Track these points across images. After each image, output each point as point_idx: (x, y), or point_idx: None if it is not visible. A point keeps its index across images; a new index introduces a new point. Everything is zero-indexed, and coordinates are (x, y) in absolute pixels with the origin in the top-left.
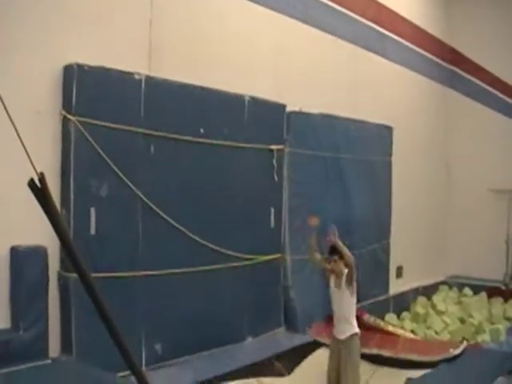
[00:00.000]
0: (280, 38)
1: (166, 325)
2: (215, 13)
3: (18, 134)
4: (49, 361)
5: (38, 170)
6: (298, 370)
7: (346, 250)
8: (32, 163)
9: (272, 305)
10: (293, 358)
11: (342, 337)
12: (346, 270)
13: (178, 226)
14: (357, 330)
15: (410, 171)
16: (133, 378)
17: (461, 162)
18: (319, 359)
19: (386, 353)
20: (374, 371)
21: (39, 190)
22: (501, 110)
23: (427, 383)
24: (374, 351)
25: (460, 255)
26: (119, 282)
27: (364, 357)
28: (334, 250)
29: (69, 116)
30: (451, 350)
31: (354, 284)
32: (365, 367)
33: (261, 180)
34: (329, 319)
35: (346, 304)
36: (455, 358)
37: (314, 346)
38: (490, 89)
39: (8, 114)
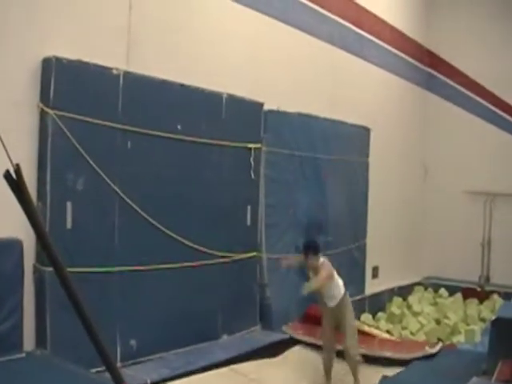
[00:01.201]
0: (259, 36)
1: (142, 321)
2: (195, 10)
3: None
4: (23, 354)
5: (14, 162)
6: (276, 358)
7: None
8: (8, 154)
9: (248, 303)
10: (269, 352)
11: (334, 303)
12: (322, 270)
13: (154, 222)
14: (343, 289)
15: (387, 172)
16: (107, 374)
17: (437, 163)
18: (297, 353)
19: (361, 350)
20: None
21: (15, 181)
22: (478, 113)
23: (401, 381)
24: None
25: (436, 256)
26: (95, 277)
27: (339, 354)
28: (307, 249)
29: (46, 109)
30: (427, 348)
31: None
32: (339, 364)
33: (238, 178)
34: (305, 317)
35: (327, 287)
36: (430, 356)
37: (290, 343)
38: (468, 92)
39: None
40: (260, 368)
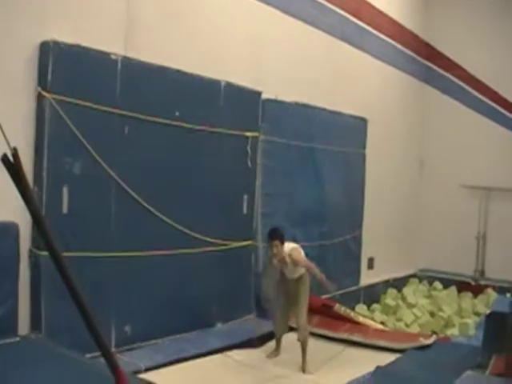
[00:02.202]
0: (258, 25)
1: (136, 307)
2: None
3: None
4: (18, 338)
5: (11, 146)
6: (269, 344)
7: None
8: (6, 138)
9: (243, 291)
10: (263, 341)
11: (296, 276)
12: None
13: (150, 208)
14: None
15: (384, 164)
16: (102, 359)
17: (434, 157)
18: (290, 338)
19: (356, 338)
20: (343, 349)
21: (12, 165)
22: (475, 107)
23: (395, 371)
24: (344, 336)
25: (431, 249)
26: (90, 262)
27: (333, 339)
28: (273, 235)
29: (44, 93)
30: (421, 340)
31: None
32: (334, 346)
33: (235, 166)
34: None
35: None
36: (424, 347)
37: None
38: (465, 86)
39: None
40: (253, 353)
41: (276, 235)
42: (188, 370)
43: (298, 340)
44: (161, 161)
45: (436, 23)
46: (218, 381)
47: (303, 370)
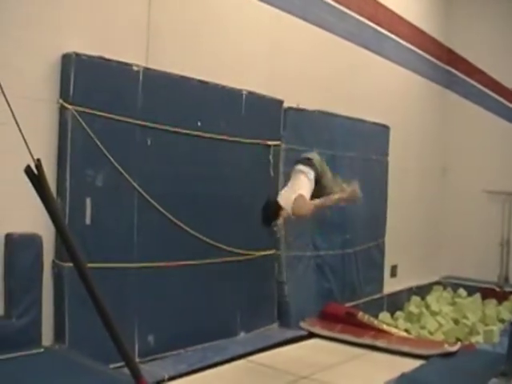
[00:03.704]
0: (278, 33)
1: (159, 317)
2: (214, 7)
3: (16, 121)
4: (41, 349)
5: (35, 158)
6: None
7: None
8: (29, 149)
9: (266, 300)
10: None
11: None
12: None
13: (173, 218)
14: None
15: (407, 171)
16: (126, 369)
17: (457, 162)
18: (313, 343)
19: (379, 343)
20: (366, 354)
21: (36, 176)
22: (497, 112)
23: (420, 379)
24: (368, 341)
25: (454, 256)
26: (113, 273)
27: (357, 345)
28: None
29: (66, 105)
30: (446, 346)
31: None
32: (357, 351)
33: (257, 175)
34: (322, 315)
35: None
36: (449, 354)
37: (307, 338)
38: (487, 91)
39: (7, 101)
40: (276, 356)
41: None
42: (212, 378)
43: None
44: (183, 171)
45: (457, 28)
46: None
47: None
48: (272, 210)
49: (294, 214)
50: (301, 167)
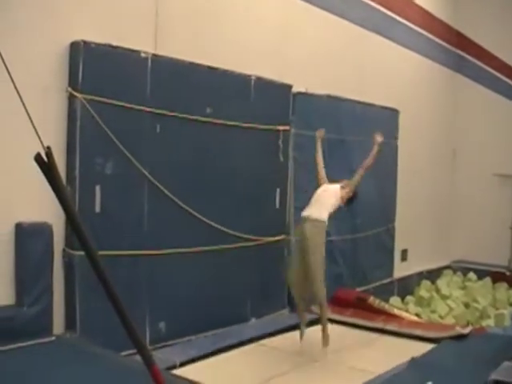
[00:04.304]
0: (287, 18)
1: (170, 304)
2: None
3: (26, 109)
4: (53, 338)
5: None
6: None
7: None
8: (39, 137)
9: (276, 286)
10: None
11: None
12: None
13: (183, 205)
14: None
15: (416, 155)
16: (138, 356)
17: (467, 146)
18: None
19: (390, 327)
20: (377, 338)
21: (46, 164)
22: (508, 95)
23: (431, 362)
24: (379, 325)
25: (465, 240)
26: (123, 261)
27: (368, 329)
28: None
29: (75, 93)
30: (458, 329)
31: None
32: (368, 335)
33: (266, 160)
34: (333, 300)
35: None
36: (459, 338)
37: (317, 323)
38: (498, 74)
39: (17, 89)
40: (288, 340)
41: None
42: (224, 362)
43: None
44: (193, 158)
45: (467, 11)
46: (255, 369)
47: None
48: None
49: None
50: None
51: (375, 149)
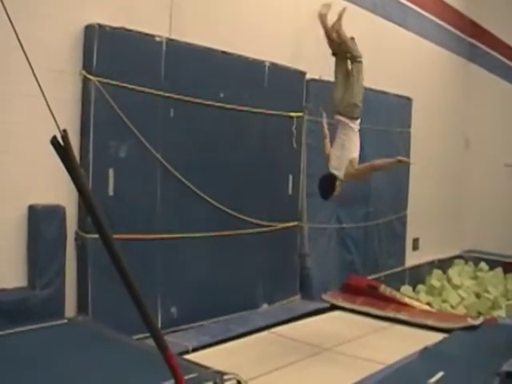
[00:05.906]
0: (301, 4)
1: (182, 289)
2: None
3: (43, 92)
4: (65, 320)
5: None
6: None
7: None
8: (55, 120)
9: (288, 272)
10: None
11: None
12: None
13: (195, 189)
14: None
15: (429, 143)
16: (149, 340)
17: (479, 136)
18: (336, 316)
19: (402, 316)
20: (388, 327)
21: (62, 147)
22: None
23: (443, 353)
24: (391, 314)
25: (476, 230)
26: (136, 244)
27: (379, 317)
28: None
29: (89, 76)
30: (469, 320)
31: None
32: (380, 324)
33: (280, 147)
34: (345, 287)
35: None
36: (472, 328)
37: (329, 310)
38: (511, 63)
39: (33, 72)
40: (299, 328)
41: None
42: (235, 349)
43: None
44: (206, 143)
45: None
46: (265, 357)
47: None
48: (328, 183)
49: (348, 178)
50: (350, 124)
51: (392, 160)
